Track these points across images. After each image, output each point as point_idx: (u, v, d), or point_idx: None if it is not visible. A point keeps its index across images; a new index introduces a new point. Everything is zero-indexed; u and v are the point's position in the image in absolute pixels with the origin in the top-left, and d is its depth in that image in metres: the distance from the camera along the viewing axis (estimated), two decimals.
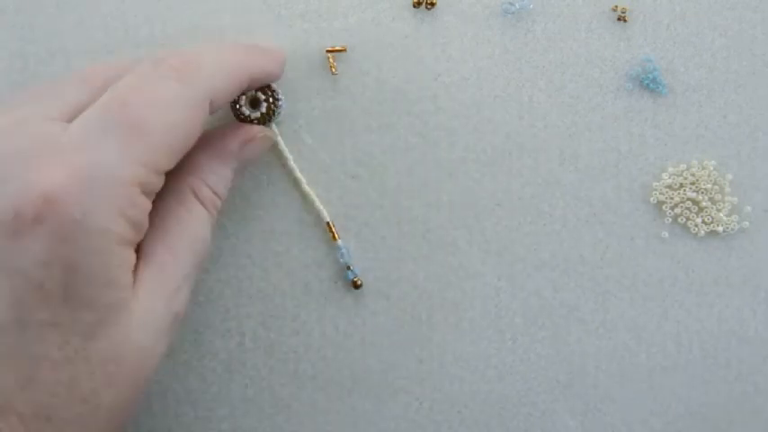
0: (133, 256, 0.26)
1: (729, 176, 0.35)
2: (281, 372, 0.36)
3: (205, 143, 0.31)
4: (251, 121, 0.33)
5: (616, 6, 0.35)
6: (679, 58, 0.35)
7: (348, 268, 0.35)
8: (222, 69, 0.29)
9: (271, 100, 0.33)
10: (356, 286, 0.35)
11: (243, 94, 0.33)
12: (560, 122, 0.35)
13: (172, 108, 0.27)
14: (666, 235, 0.36)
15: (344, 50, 0.35)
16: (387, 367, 0.36)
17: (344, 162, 0.35)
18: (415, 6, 0.35)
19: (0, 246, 0.24)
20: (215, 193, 0.31)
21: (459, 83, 0.35)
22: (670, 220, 0.36)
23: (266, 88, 0.33)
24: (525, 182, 0.36)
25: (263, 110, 0.33)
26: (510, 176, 0.36)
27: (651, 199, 0.35)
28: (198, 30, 0.35)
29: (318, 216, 0.35)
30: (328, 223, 0.35)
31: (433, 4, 0.35)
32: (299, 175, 0.35)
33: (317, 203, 0.35)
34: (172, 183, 0.29)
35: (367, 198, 0.35)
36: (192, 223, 0.29)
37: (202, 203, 0.30)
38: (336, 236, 0.35)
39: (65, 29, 0.35)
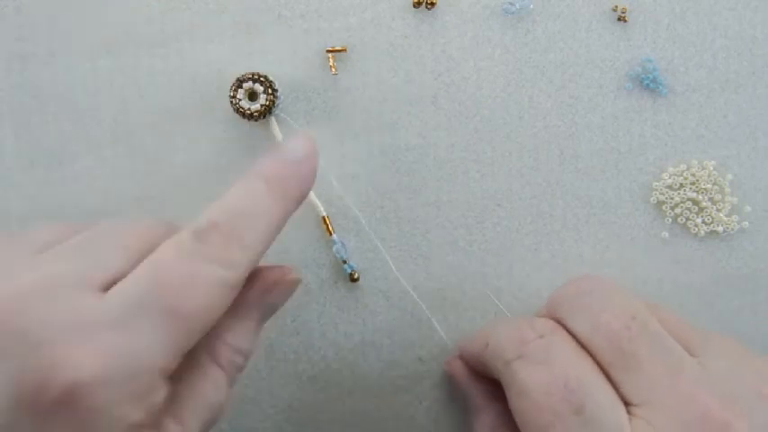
0: None
1: (729, 176, 0.35)
2: (281, 372, 0.36)
3: None
4: (250, 114, 0.33)
5: (616, 6, 0.35)
6: (679, 58, 0.35)
7: (344, 262, 0.35)
8: (264, 237, 0.27)
9: (269, 92, 0.33)
10: (353, 279, 0.35)
11: (240, 86, 0.33)
12: (560, 122, 0.35)
13: (213, 294, 0.25)
14: (666, 235, 0.36)
15: (344, 50, 0.35)
16: (387, 367, 0.36)
17: (344, 162, 0.35)
18: (415, 6, 0.35)
19: (9, 419, 0.23)
20: (237, 351, 0.28)
21: (459, 83, 0.35)
22: (670, 220, 0.36)
23: (264, 80, 0.33)
24: (525, 182, 0.36)
25: (263, 101, 0.33)
26: (510, 176, 0.36)
27: (651, 199, 0.35)
28: (198, 30, 0.35)
29: (317, 214, 0.35)
30: (324, 218, 0.35)
31: (433, 4, 0.35)
32: None
33: (313, 197, 0.35)
34: None
35: (367, 198, 0.35)
36: (205, 390, 0.27)
37: (220, 366, 0.27)
38: (331, 230, 0.35)
39: (65, 29, 0.35)
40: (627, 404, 0.25)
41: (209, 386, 0.27)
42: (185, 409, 0.26)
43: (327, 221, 0.35)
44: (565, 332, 0.28)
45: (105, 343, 0.23)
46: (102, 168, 0.35)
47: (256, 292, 0.29)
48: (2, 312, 0.23)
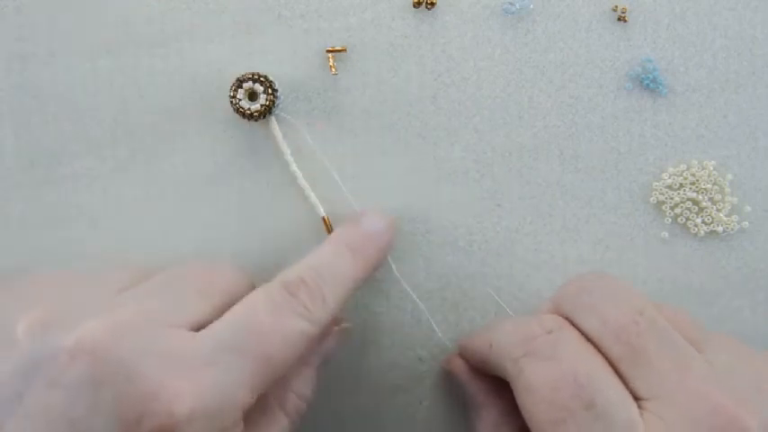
0: None
1: (729, 176, 0.35)
2: None
3: None
4: (251, 115, 0.33)
5: (616, 6, 0.35)
6: (679, 58, 0.35)
7: None
8: (344, 297, 0.30)
9: (269, 92, 0.33)
10: None
11: (240, 86, 0.33)
12: (560, 122, 0.35)
13: (298, 345, 0.28)
14: (666, 235, 0.36)
15: (344, 50, 0.35)
16: (387, 367, 0.36)
17: (344, 162, 0.35)
18: (415, 6, 0.35)
19: None
20: (301, 397, 0.31)
21: (459, 83, 0.35)
22: (670, 220, 0.36)
23: (264, 80, 0.33)
24: (525, 182, 0.36)
25: (263, 101, 0.33)
26: (510, 176, 0.36)
27: (651, 199, 0.36)
28: (198, 30, 0.35)
29: (315, 216, 0.35)
30: (324, 218, 0.35)
31: (433, 4, 0.35)
32: (294, 169, 0.35)
33: (313, 198, 0.35)
34: None
35: (367, 198, 0.35)
36: None
37: (286, 413, 0.30)
38: (331, 229, 0.35)
39: (65, 29, 0.35)
40: (637, 399, 0.25)
41: (276, 431, 0.29)
42: None
43: (328, 222, 0.35)
44: (572, 328, 0.28)
45: (199, 378, 0.25)
46: (102, 168, 0.35)
47: (317, 340, 0.31)
48: (103, 342, 0.24)
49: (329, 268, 0.30)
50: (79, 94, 0.35)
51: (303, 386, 0.31)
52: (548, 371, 0.26)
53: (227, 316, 0.27)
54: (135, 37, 0.35)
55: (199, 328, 0.27)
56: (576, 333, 0.27)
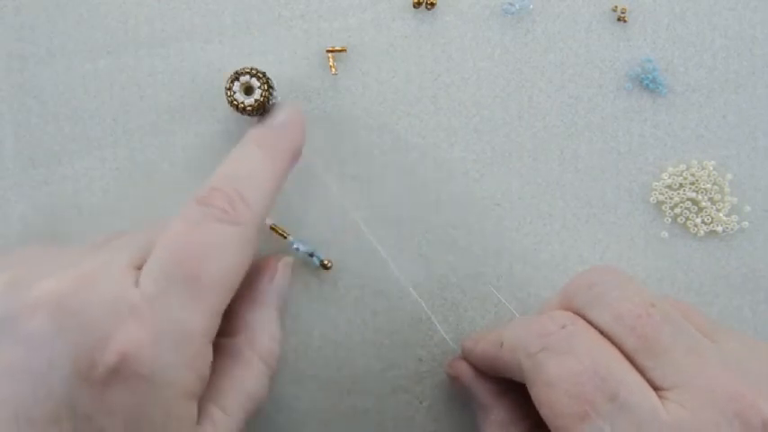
0: (195, 410, 0.27)
1: (729, 176, 0.35)
2: (282, 371, 0.36)
3: (241, 295, 0.31)
4: (245, 108, 0.33)
5: (616, 6, 0.35)
6: (679, 58, 0.35)
7: (310, 255, 0.35)
8: (265, 193, 0.29)
9: (265, 87, 0.33)
10: (326, 267, 0.35)
11: (237, 80, 0.33)
12: (560, 122, 0.35)
13: (228, 253, 0.27)
14: (666, 235, 0.36)
15: (344, 50, 0.35)
16: (387, 367, 0.36)
17: (344, 162, 0.35)
18: (415, 6, 0.35)
19: (69, 391, 0.25)
20: (272, 338, 0.31)
21: (459, 83, 0.35)
22: (670, 220, 0.36)
23: (260, 75, 0.33)
24: (525, 182, 0.36)
25: (258, 96, 0.33)
26: (510, 176, 0.36)
27: (651, 199, 0.36)
28: (198, 30, 0.35)
29: (318, 214, 0.35)
30: (271, 227, 0.35)
31: (433, 4, 0.35)
32: None
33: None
34: (224, 338, 0.30)
35: (367, 198, 0.35)
36: (247, 381, 0.29)
37: (261, 357, 0.30)
38: (285, 234, 0.35)
39: (65, 29, 0.35)
40: (655, 389, 0.25)
41: (251, 377, 0.29)
42: (229, 399, 0.28)
43: (275, 229, 0.35)
44: (585, 322, 0.28)
45: (146, 316, 0.25)
46: (102, 168, 0.35)
47: (266, 278, 0.32)
48: (61, 294, 0.25)
49: (241, 170, 0.29)
50: (79, 94, 0.35)
51: (270, 326, 0.31)
52: (567, 365, 0.26)
53: (154, 250, 0.27)
54: (135, 37, 0.35)
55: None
56: (589, 327, 0.27)
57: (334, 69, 0.35)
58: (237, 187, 0.28)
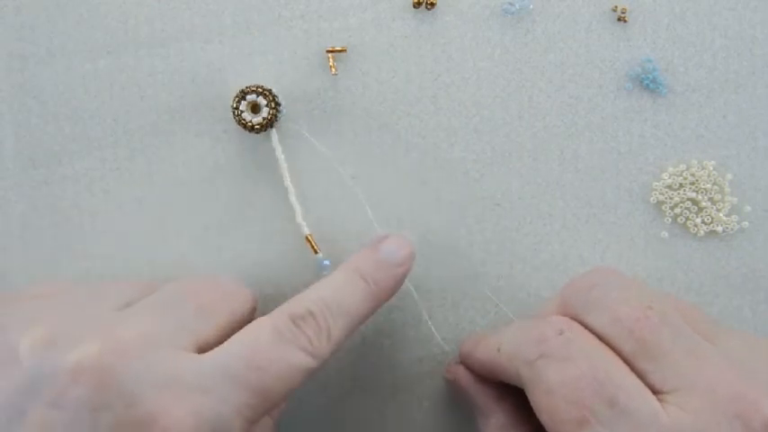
0: None
1: (729, 176, 0.35)
2: None
3: None
4: (253, 127, 0.33)
5: (616, 6, 0.35)
6: (679, 58, 0.35)
7: None
8: (351, 329, 0.29)
9: (272, 105, 0.33)
10: None
11: (243, 98, 0.33)
12: (560, 122, 0.35)
13: (297, 379, 0.27)
14: (666, 235, 0.36)
15: (344, 51, 0.35)
16: (387, 368, 0.36)
17: (344, 162, 0.35)
18: (415, 6, 0.35)
19: None
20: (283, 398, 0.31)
21: (459, 83, 0.35)
22: (670, 220, 0.36)
23: (267, 93, 0.33)
24: (525, 182, 0.36)
25: (265, 115, 0.33)
26: (510, 176, 0.36)
27: (651, 199, 0.36)
28: (198, 30, 0.35)
29: (317, 216, 0.35)
30: (307, 237, 0.35)
31: (433, 4, 0.35)
32: (288, 184, 0.35)
33: (299, 218, 0.35)
34: None
35: (367, 198, 0.35)
36: None
37: (271, 416, 0.31)
38: (317, 249, 0.35)
39: (65, 29, 0.35)
40: (655, 393, 0.25)
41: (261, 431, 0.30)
42: None
43: (311, 240, 0.35)
44: (582, 327, 0.27)
45: (198, 405, 0.25)
46: (102, 168, 0.35)
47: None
48: (104, 364, 0.25)
49: (339, 300, 0.29)
50: (79, 94, 0.35)
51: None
52: (566, 371, 0.26)
53: (231, 344, 0.27)
54: (135, 37, 0.35)
55: (200, 348, 0.27)
56: (586, 332, 0.27)
57: (334, 69, 0.35)
58: (330, 321, 0.28)
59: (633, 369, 0.26)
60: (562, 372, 0.26)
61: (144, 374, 0.25)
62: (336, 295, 0.29)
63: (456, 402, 0.36)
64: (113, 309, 0.29)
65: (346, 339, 0.29)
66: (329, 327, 0.28)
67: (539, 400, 0.26)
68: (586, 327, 0.28)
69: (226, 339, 0.27)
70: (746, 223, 0.35)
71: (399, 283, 0.32)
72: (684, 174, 0.35)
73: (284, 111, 0.34)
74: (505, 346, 0.29)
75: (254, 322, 0.28)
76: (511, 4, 0.35)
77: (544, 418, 0.26)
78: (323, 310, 0.29)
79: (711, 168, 0.35)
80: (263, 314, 0.29)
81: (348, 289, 0.30)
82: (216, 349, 0.27)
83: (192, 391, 0.25)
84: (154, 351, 0.26)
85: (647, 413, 0.25)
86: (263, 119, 0.33)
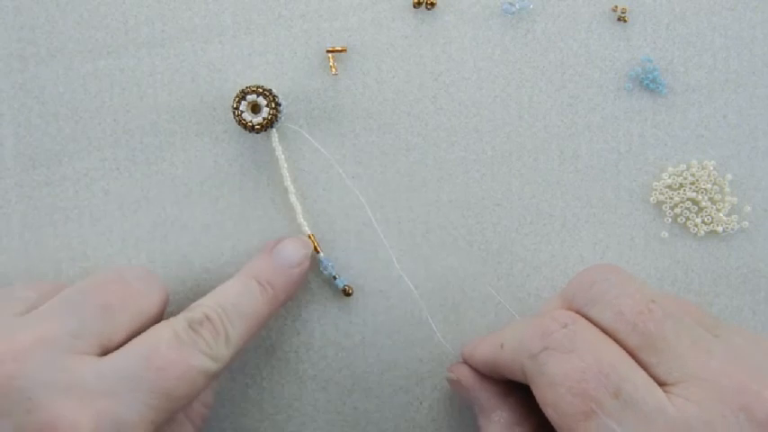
0: None
1: (729, 176, 0.35)
2: (282, 372, 0.36)
3: None
4: (253, 127, 0.33)
5: (616, 6, 0.35)
6: (679, 58, 0.35)
7: (334, 278, 0.35)
8: (250, 333, 0.30)
9: (272, 105, 0.33)
10: (347, 294, 0.35)
11: (243, 99, 0.33)
12: (560, 122, 0.35)
13: (198, 381, 0.28)
14: (666, 235, 0.36)
15: (344, 50, 0.35)
16: (387, 367, 0.36)
17: (344, 162, 0.35)
18: (415, 6, 0.35)
19: None
20: (205, 405, 0.32)
21: (459, 83, 0.35)
22: (670, 220, 0.36)
23: (267, 93, 0.33)
24: (525, 182, 0.36)
25: (265, 115, 0.33)
26: (510, 176, 0.36)
27: (651, 199, 0.36)
28: (198, 30, 0.35)
29: (317, 215, 0.35)
30: (310, 236, 0.35)
31: (433, 4, 0.35)
32: (288, 184, 0.35)
33: (299, 218, 0.35)
34: None
35: (367, 198, 0.35)
36: None
37: (191, 420, 0.31)
38: (318, 248, 0.35)
39: (65, 29, 0.35)
40: (661, 385, 0.25)
41: None
42: None
43: (314, 239, 0.35)
44: (586, 320, 0.28)
45: (98, 408, 0.25)
46: (102, 168, 0.35)
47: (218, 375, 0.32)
48: (3, 372, 0.25)
49: (235, 305, 0.30)
50: (79, 94, 0.35)
51: (207, 395, 0.32)
52: (570, 363, 0.26)
53: (132, 346, 0.27)
54: (135, 37, 0.35)
55: (105, 348, 0.27)
56: (591, 325, 0.27)
57: (334, 69, 0.35)
58: (227, 326, 0.29)
59: (638, 362, 0.26)
60: (567, 364, 0.26)
61: (43, 380, 0.25)
62: (233, 300, 0.30)
63: (456, 402, 0.36)
64: (16, 313, 0.29)
65: (249, 341, 0.31)
66: (226, 330, 0.29)
67: (544, 394, 0.26)
68: (590, 321, 0.28)
69: (134, 337, 0.28)
70: (746, 223, 0.35)
71: (297, 283, 0.33)
72: (684, 174, 0.35)
73: (284, 111, 0.34)
74: (509, 341, 0.29)
75: (153, 327, 0.28)
76: (511, 4, 0.35)
77: (549, 411, 0.26)
78: (220, 314, 0.29)
79: (711, 168, 0.35)
80: None
81: (245, 294, 0.31)
82: (116, 351, 0.27)
83: (92, 394, 0.25)
84: (53, 356, 0.26)
85: (653, 404, 0.25)
86: (264, 119, 0.33)
